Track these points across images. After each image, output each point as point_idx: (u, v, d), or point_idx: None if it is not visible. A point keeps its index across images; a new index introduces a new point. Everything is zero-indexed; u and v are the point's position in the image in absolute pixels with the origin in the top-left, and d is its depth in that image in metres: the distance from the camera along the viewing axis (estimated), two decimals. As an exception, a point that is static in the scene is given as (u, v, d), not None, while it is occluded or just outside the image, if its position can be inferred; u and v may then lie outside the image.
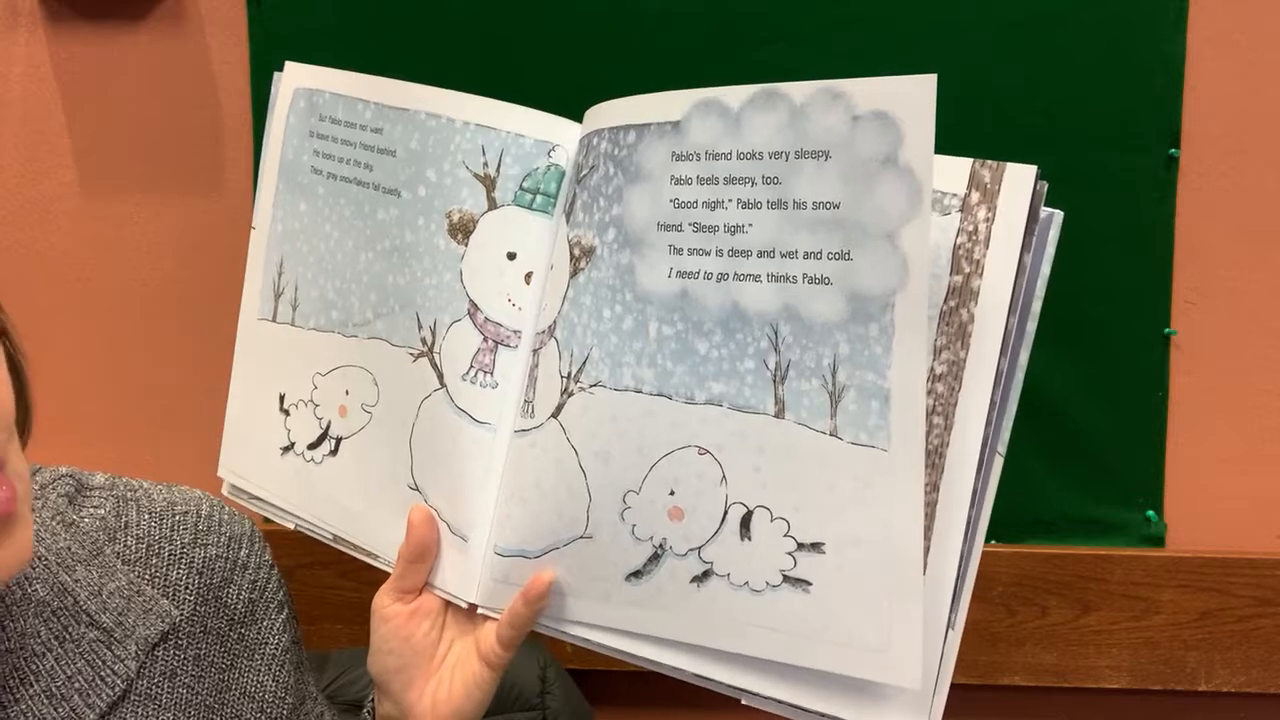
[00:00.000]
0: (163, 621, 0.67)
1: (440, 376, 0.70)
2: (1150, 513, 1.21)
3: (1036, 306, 0.56)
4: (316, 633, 1.23)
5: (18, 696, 0.60)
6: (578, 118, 0.74)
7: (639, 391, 0.62)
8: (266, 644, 0.72)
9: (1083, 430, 1.19)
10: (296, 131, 0.76)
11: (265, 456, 0.78)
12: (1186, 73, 1.16)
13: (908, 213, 0.53)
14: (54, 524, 0.66)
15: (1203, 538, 1.21)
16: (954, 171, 0.56)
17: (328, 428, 0.75)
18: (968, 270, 0.55)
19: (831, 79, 0.55)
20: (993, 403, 0.55)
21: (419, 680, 0.69)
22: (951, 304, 0.55)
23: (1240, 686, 1.21)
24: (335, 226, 0.74)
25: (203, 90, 1.24)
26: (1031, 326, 0.57)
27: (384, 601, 0.69)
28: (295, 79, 0.76)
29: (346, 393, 0.74)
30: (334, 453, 0.75)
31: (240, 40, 1.23)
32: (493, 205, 0.69)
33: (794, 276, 0.57)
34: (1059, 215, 0.57)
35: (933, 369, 0.55)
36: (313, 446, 0.76)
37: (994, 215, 0.54)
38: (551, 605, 0.66)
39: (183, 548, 0.70)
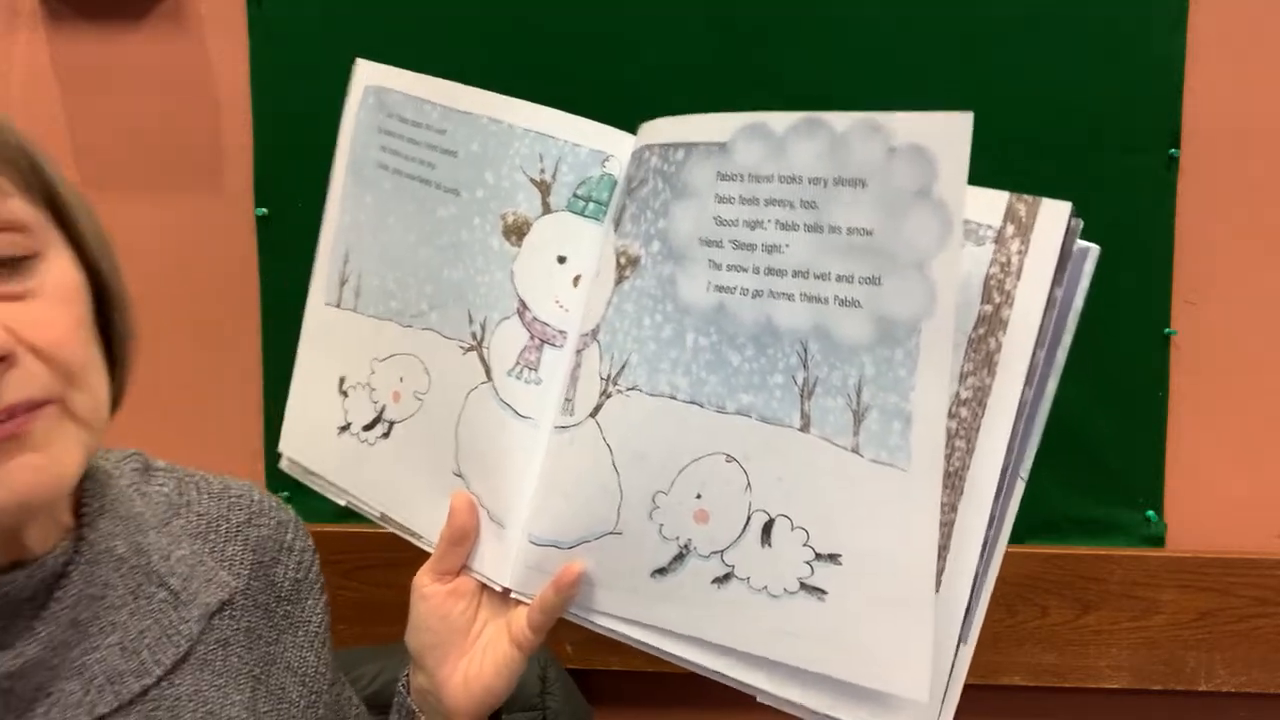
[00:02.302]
0: (222, 591, 0.71)
1: (487, 370, 0.73)
2: (1150, 513, 1.21)
3: (1067, 338, 0.58)
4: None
5: (96, 644, 0.63)
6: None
7: (673, 398, 0.65)
8: (309, 622, 0.76)
9: (1083, 430, 1.19)
10: (366, 127, 0.79)
11: (323, 434, 0.82)
12: (1186, 73, 1.16)
13: (938, 244, 0.55)
14: (130, 491, 0.70)
15: (1203, 538, 1.21)
16: (991, 204, 0.57)
17: (382, 411, 0.78)
18: (998, 300, 0.56)
19: (871, 110, 0.56)
20: (1015, 430, 0.56)
21: (452, 656, 0.71)
22: (980, 332, 0.56)
23: (1240, 686, 1.21)
24: (398, 220, 0.77)
25: (203, 90, 1.24)
26: (1061, 356, 0.58)
27: (424, 580, 0.73)
28: (367, 76, 0.79)
29: (401, 379, 0.77)
30: (386, 435, 0.78)
31: (240, 40, 1.23)
32: (547, 210, 0.71)
33: (825, 297, 0.59)
34: (1095, 250, 0.57)
35: (958, 394, 0.57)
36: (367, 428, 0.79)
37: (1027, 249, 0.56)
38: (580, 595, 0.69)
39: (238, 526, 0.75)
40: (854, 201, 0.57)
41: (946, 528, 0.57)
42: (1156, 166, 1.18)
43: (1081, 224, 0.56)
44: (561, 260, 0.72)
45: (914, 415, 0.56)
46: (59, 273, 0.60)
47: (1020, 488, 0.59)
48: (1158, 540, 1.21)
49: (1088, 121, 1.17)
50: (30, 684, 0.60)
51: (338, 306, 0.82)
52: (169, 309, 1.28)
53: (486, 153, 0.73)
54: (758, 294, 0.61)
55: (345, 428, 0.80)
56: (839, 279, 0.58)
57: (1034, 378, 0.56)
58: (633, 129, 0.79)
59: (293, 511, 0.80)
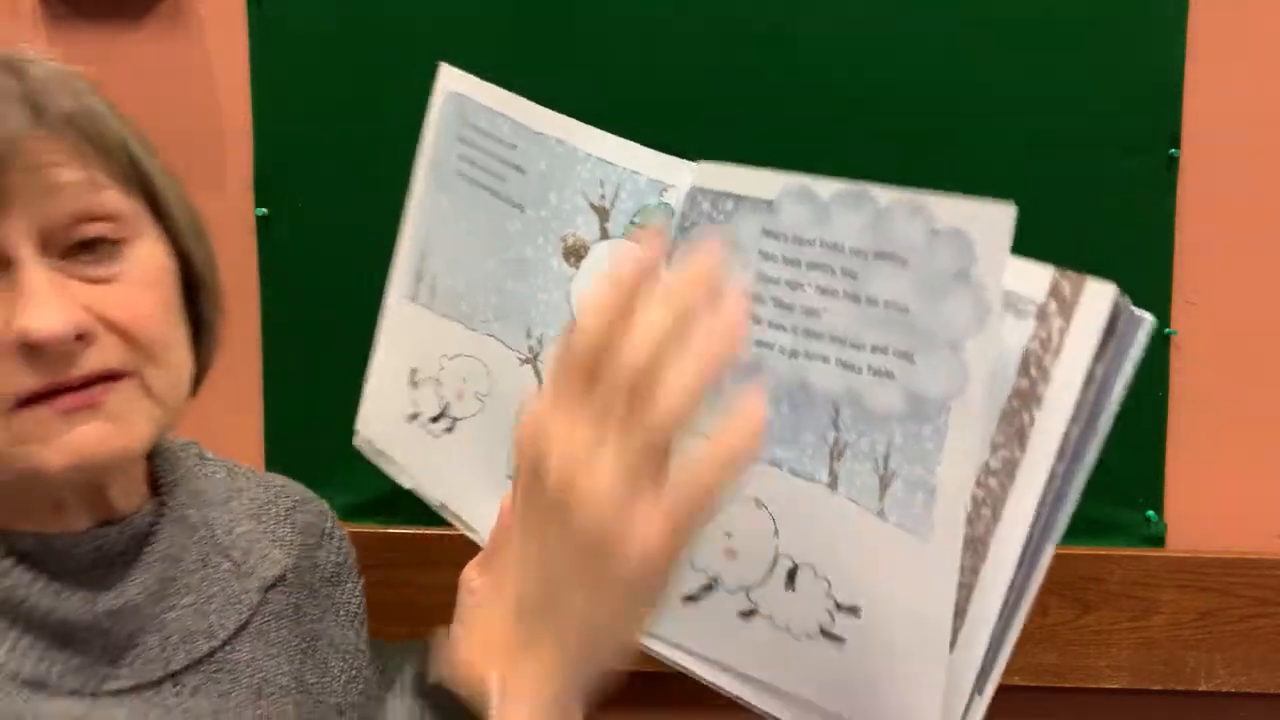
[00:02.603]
0: (276, 567, 0.76)
1: (540, 383, 0.76)
2: (1150, 513, 1.21)
3: (1113, 406, 0.57)
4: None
5: (174, 604, 0.68)
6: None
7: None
8: (349, 604, 0.81)
9: (1083, 430, 1.19)
10: (445, 132, 0.82)
11: (395, 420, 0.86)
12: (1186, 73, 1.16)
13: (973, 327, 0.55)
14: (195, 470, 0.75)
15: (1203, 538, 1.21)
16: (1036, 278, 0.57)
17: (446, 407, 0.82)
18: (1035, 376, 0.56)
19: (916, 191, 0.57)
20: (1042, 502, 0.57)
21: None
22: (1014, 405, 0.57)
23: (1240, 686, 1.21)
24: (470, 228, 0.81)
25: (203, 90, 1.24)
26: (1105, 423, 0.57)
27: (470, 575, 0.75)
28: (449, 82, 0.83)
29: (464, 379, 0.81)
30: (450, 430, 0.82)
31: (240, 40, 1.23)
32: (604, 235, 0.73)
33: (859, 366, 0.60)
34: (1149, 321, 0.58)
35: (988, 463, 0.57)
36: (434, 420, 0.83)
37: (1068, 327, 0.56)
38: None
39: (285, 511, 0.80)
40: (893, 277, 0.58)
41: (966, 590, 0.58)
42: (1156, 166, 1.18)
43: (1129, 302, 0.56)
44: None
45: (938, 489, 0.57)
46: (147, 257, 0.65)
47: (1050, 552, 0.60)
48: (1158, 540, 1.21)
49: (1088, 121, 1.17)
50: (124, 630, 0.65)
51: (413, 301, 0.85)
52: (169, 309, 1.28)
53: (552, 173, 0.75)
54: (795, 354, 0.62)
55: (414, 417, 0.84)
56: (874, 350, 0.59)
57: (1066, 453, 0.56)
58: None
59: (327, 504, 0.85)
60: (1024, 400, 0.56)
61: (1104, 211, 1.18)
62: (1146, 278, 1.19)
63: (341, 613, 0.80)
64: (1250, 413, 1.21)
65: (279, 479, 0.83)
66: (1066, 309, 0.56)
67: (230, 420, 1.28)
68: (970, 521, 0.58)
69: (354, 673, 0.80)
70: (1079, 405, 0.56)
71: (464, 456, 0.80)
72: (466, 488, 0.80)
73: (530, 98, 1.25)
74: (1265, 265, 1.19)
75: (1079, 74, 1.16)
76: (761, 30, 1.19)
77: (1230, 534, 1.21)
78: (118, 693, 0.64)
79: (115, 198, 0.63)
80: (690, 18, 1.19)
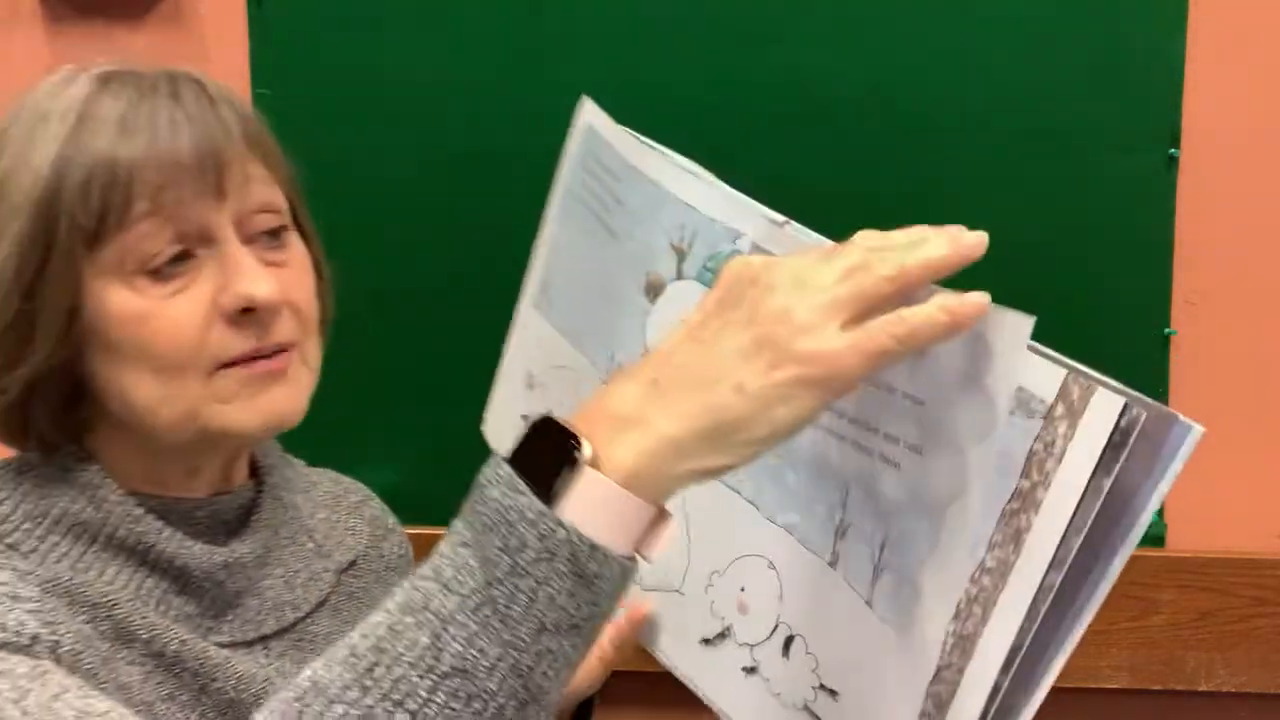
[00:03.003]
0: (350, 553, 0.83)
1: None
2: (1150, 513, 1.21)
3: (1144, 517, 0.53)
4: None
5: (269, 572, 0.74)
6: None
7: (738, 493, 0.70)
8: None
9: (1083, 430, 1.19)
10: (575, 160, 0.87)
11: (510, 417, 0.93)
12: (1186, 73, 1.16)
13: (978, 435, 0.55)
14: (284, 459, 0.82)
15: (1203, 538, 1.21)
16: (1048, 377, 0.54)
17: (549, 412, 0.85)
18: (1036, 479, 0.54)
19: (947, 290, 0.55)
20: (1034, 610, 0.54)
21: None
22: (1014, 506, 0.54)
23: (1240, 686, 1.21)
24: (581, 248, 0.85)
25: (203, 90, 1.24)
26: (1135, 534, 0.53)
27: None
28: (586, 115, 0.87)
29: (563, 389, 0.87)
30: None
31: (240, 40, 1.23)
32: (680, 276, 0.75)
33: (872, 450, 0.60)
34: (1197, 432, 0.52)
35: (984, 561, 0.55)
36: None
37: (1072, 434, 0.52)
38: (651, 632, 0.78)
39: (355, 504, 0.87)
40: (913, 368, 0.57)
41: (950, 687, 0.57)
42: (1156, 166, 1.18)
43: (1143, 416, 0.51)
44: None
45: (923, 590, 0.57)
46: (299, 248, 0.74)
47: (1059, 663, 0.57)
48: (1158, 540, 1.21)
49: (1088, 121, 1.17)
50: (233, 587, 0.71)
51: (537, 309, 0.91)
52: (169, 309, 1.28)
53: (642, 210, 0.78)
54: (818, 427, 0.62)
55: (525, 417, 0.87)
56: (887, 437, 0.59)
57: (1064, 562, 0.53)
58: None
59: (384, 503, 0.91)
60: (1024, 502, 0.54)
61: (1104, 211, 1.18)
62: (1146, 278, 1.19)
63: None
64: (1250, 413, 1.20)
65: (346, 478, 0.90)
66: (1073, 415, 0.52)
67: (230, 420, 1.28)
68: (961, 618, 0.56)
69: None
70: (1078, 515, 0.52)
71: None
72: None
73: (529, 96, 1.26)
74: (1265, 265, 1.19)
75: (1079, 73, 1.16)
76: (761, 30, 1.19)
77: (1230, 534, 1.21)
78: (216, 645, 0.70)
79: (279, 195, 0.72)
80: (689, 18, 1.19)
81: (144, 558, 0.68)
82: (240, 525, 0.74)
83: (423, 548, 1.18)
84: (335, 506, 0.85)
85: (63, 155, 0.64)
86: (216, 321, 0.66)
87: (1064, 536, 0.53)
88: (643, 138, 0.80)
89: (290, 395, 0.69)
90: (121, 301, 0.65)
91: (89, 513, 0.68)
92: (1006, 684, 0.56)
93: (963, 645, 0.56)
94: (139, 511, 0.68)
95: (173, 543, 0.68)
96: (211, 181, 0.66)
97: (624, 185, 0.80)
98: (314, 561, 0.78)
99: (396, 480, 1.28)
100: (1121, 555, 0.53)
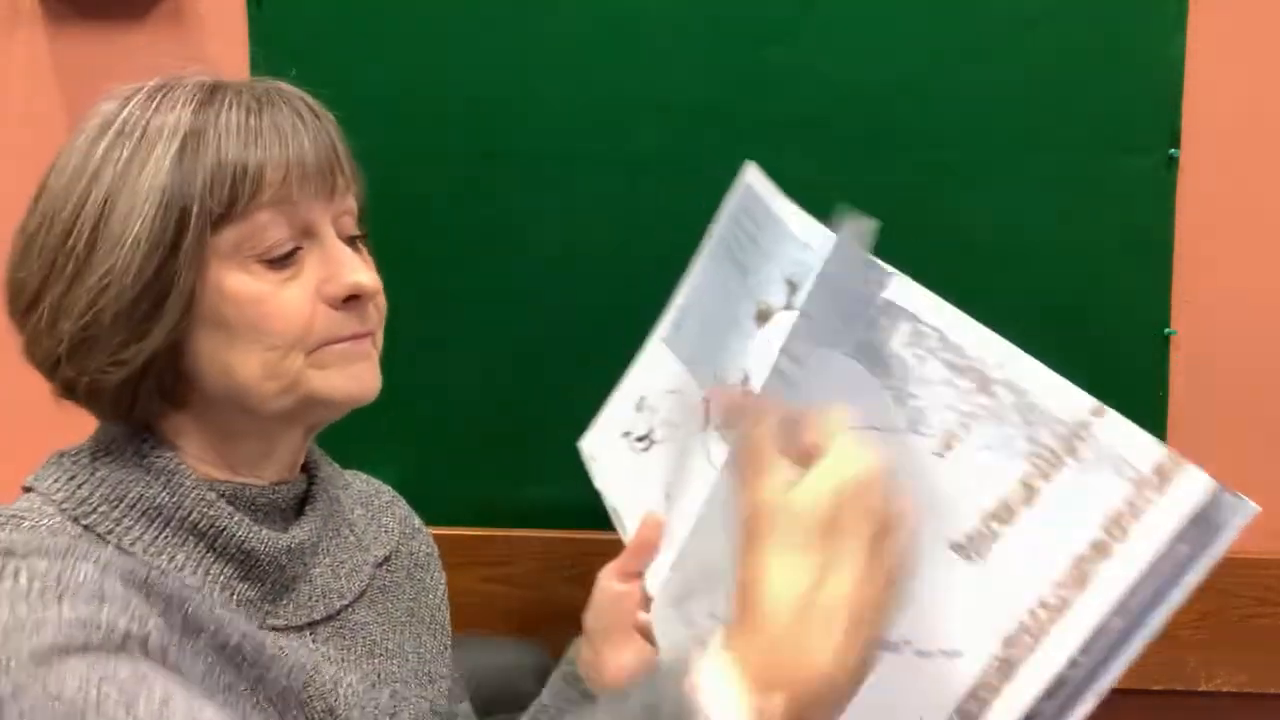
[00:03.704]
0: (385, 548, 0.87)
1: (707, 421, 0.85)
2: (1150, 513, 1.21)
3: (1195, 578, 0.57)
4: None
5: (319, 560, 0.79)
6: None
7: None
8: (437, 588, 0.92)
9: (1083, 430, 1.19)
10: (730, 213, 0.93)
11: (611, 433, 0.99)
12: (1186, 73, 1.16)
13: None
14: (324, 461, 0.85)
15: (1203, 538, 1.21)
16: (1146, 450, 0.59)
17: (651, 431, 0.94)
18: (1115, 535, 0.58)
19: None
20: (1089, 645, 0.59)
21: (612, 642, 0.87)
22: (1087, 552, 0.58)
23: (1240, 686, 1.21)
24: (716, 286, 0.91)
25: (203, 90, 1.24)
26: (1184, 593, 0.58)
27: (605, 574, 0.89)
28: (748, 177, 0.92)
29: (670, 410, 0.92)
30: (646, 450, 0.94)
31: (240, 40, 1.23)
32: (789, 306, 0.79)
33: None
34: (1250, 510, 0.58)
35: (1044, 595, 0.59)
36: (639, 440, 0.95)
37: (1157, 502, 0.58)
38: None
39: (386, 504, 0.92)
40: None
41: (983, 705, 0.60)
42: (1156, 166, 1.18)
43: (1230, 494, 0.57)
44: None
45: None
46: (368, 250, 0.81)
47: (1092, 702, 0.62)
48: (1158, 540, 1.21)
49: (1088, 121, 1.17)
50: (292, 571, 0.76)
51: (665, 343, 0.97)
52: (169, 309, 1.28)
53: (770, 246, 0.83)
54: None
55: (627, 434, 0.97)
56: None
57: (1131, 611, 0.58)
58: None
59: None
60: (1096, 551, 0.58)
61: (1104, 211, 1.18)
62: (1146, 278, 1.19)
63: (431, 596, 0.91)
64: (1250, 413, 1.21)
65: (375, 479, 0.95)
66: (1162, 485, 0.58)
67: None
68: (1010, 644, 0.59)
69: (442, 646, 0.90)
70: (1148, 572, 0.57)
71: (646, 474, 0.91)
72: (634, 501, 0.91)
73: (530, 96, 1.26)
74: (1265, 265, 1.19)
75: (1079, 74, 1.16)
76: (761, 30, 1.19)
77: (1230, 534, 1.21)
78: (272, 629, 0.74)
79: (356, 203, 0.79)
80: (690, 18, 1.19)
81: (213, 542, 0.72)
82: (296, 514, 0.79)
83: (423, 548, 1.15)
84: (369, 504, 0.90)
85: (192, 154, 0.70)
86: (320, 306, 0.73)
87: (1133, 587, 0.57)
88: (787, 199, 0.85)
89: (373, 371, 0.77)
90: (241, 284, 0.71)
91: (164, 497, 0.72)
92: (1046, 709, 0.59)
93: (1006, 670, 0.59)
94: (212, 496, 0.73)
95: (242, 527, 0.73)
96: (327, 183, 0.74)
97: (761, 228, 0.86)
98: (356, 553, 0.82)
99: (400, 481, 1.29)
100: (1170, 607, 0.58)
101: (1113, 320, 1.19)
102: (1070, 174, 1.18)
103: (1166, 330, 1.19)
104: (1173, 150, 1.17)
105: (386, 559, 0.87)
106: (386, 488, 0.95)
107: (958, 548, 0.62)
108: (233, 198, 0.70)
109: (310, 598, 0.77)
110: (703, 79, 1.19)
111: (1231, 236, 1.19)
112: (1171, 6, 1.16)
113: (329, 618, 0.78)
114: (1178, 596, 0.57)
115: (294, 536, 0.76)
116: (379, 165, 1.25)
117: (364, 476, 0.94)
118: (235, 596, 0.72)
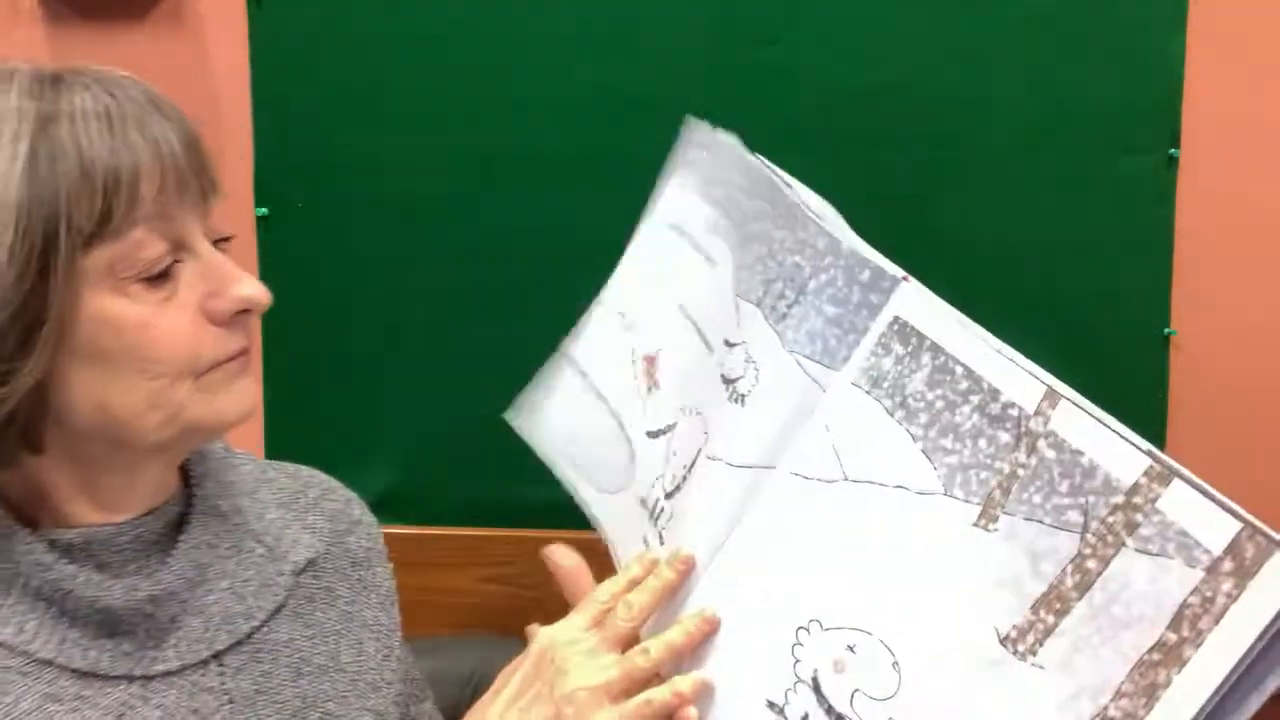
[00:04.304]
0: (308, 551, 0.79)
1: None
2: (1150, 513, 1.21)
3: (1273, 683, 0.48)
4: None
5: (212, 588, 0.71)
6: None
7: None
8: (380, 587, 0.84)
9: (1083, 430, 1.20)
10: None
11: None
12: (1186, 73, 1.16)
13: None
14: (224, 462, 0.78)
15: (1203, 538, 1.21)
16: (1218, 526, 0.49)
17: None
18: (1186, 635, 0.49)
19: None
20: None
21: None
22: (1154, 658, 0.50)
23: (1240, 686, 1.21)
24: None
25: (203, 90, 1.24)
26: (1255, 702, 0.49)
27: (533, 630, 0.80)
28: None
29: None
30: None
31: (240, 40, 1.23)
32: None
33: None
34: None
35: (1106, 709, 0.51)
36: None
37: (1239, 595, 0.47)
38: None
39: (315, 499, 0.83)
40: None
41: None
42: (1156, 166, 1.18)
43: None
44: None
45: None
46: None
47: None
48: (1158, 540, 1.21)
49: (1088, 121, 1.17)
50: (166, 613, 0.69)
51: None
52: (169, 309, 1.28)
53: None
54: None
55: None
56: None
57: None
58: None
59: (356, 494, 0.87)
60: (1166, 656, 0.49)
61: (1104, 211, 1.18)
62: (1146, 278, 1.19)
63: (373, 596, 0.83)
64: (1250, 413, 1.21)
65: (306, 470, 0.86)
66: (1243, 573, 0.47)
67: (230, 420, 1.28)
68: None
69: (388, 651, 0.82)
70: (1223, 684, 0.48)
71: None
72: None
73: (530, 96, 1.26)
74: (1265, 265, 1.19)
75: (1079, 74, 1.16)
76: (760, 30, 1.19)
77: (1230, 534, 1.21)
78: (166, 674, 0.68)
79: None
80: (689, 18, 1.19)
81: (63, 605, 0.66)
82: (171, 544, 0.71)
83: (421, 547, 1.17)
84: (291, 504, 0.82)
85: (48, 161, 0.61)
86: (205, 325, 0.66)
87: (1206, 704, 0.48)
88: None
89: (255, 387, 0.70)
90: (120, 309, 0.63)
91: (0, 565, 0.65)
92: None
93: None
94: (49, 559, 0.65)
95: (89, 587, 0.66)
96: (198, 188, 0.67)
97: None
98: (265, 567, 0.75)
99: (399, 481, 1.29)
100: (1249, 713, 0.49)
101: (1113, 320, 1.19)
102: (1070, 174, 1.18)
103: (1166, 330, 1.19)
104: (1173, 150, 1.17)
105: (311, 563, 0.79)
106: (319, 480, 0.86)
107: (1008, 641, 0.54)
108: (105, 213, 0.61)
109: (207, 629, 0.70)
110: (702, 79, 1.19)
111: (1231, 236, 1.19)
112: (1171, 6, 1.16)
113: (238, 644, 0.71)
114: (1255, 703, 0.48)
115: (159, 581, 0.68)
116: (378, 165, 1.26)
117: (291, 470, 0.85)
118: (105, 655, 0.66)
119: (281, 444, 1.26)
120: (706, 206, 0.81)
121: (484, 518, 1.25)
